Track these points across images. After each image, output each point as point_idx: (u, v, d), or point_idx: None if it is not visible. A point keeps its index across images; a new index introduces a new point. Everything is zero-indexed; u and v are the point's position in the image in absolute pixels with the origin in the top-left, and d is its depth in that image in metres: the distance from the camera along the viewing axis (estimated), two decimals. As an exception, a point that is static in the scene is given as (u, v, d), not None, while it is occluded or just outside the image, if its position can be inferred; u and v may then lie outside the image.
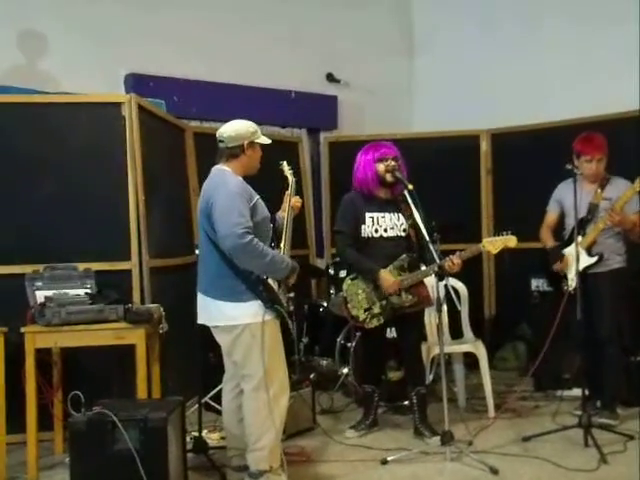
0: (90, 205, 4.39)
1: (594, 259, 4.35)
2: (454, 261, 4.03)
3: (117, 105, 4.45)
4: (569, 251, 4.46)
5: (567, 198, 4.44)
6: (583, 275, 4.21)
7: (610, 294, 4.39)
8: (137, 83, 5.61)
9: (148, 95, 5.19)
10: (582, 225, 4.36)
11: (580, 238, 4.28)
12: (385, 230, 4.27)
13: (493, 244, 4.12)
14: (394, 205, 4.30)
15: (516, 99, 6.35)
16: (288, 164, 3.94)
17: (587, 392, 4.14)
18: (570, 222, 4.49)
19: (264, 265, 3.34)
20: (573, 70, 6.07)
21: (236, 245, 3.25)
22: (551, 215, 4.70)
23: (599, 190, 4.43)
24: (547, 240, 4.68)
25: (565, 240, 4.56)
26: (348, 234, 4.30)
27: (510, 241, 4.09)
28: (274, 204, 3.74)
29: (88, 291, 4.05)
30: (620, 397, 4.58)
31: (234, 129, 3.53)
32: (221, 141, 3.52)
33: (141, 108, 4.56)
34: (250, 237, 3.26)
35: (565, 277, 4.47)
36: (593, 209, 4.41)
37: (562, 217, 4.64)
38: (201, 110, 6.01)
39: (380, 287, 4.20)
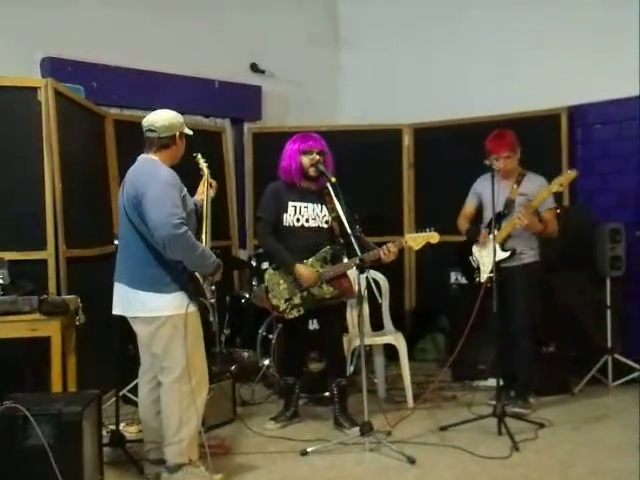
0: (4, 192, 4.22)
1: (507, 254, 4.47)
2: (390, 249, 4.06)
3: (33, 90, 4.29)
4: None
5: (485, 192, 4.53)
6: (497, 269, 4.30)
7: (523, 287, 4.53)
8: (54, 67, 5.40)
9: (66, 80, 5.01)
10: (498, 219, 4.46)
11: (496, 232, 4.39)
12: (307, 220, 4.28)
13: (415, 240, 4.16)
14: (318, 196, 4.31)
15: (440, 95, 6.43)
16: (204, 156, 3.84)
17: (501, 382, 4.26)
18: (488, 215, 4.60)
19: (194, 258, 3.31)
20: (496, 67, 6.17)
21: (171, 235, 3.20)
22: (469, 206, 4.79)
23: (515, 186, 4.55)
24: (463, 226, 4.76)
25: (482, 232, 4.67)
26: (269, 222, 4.30)
27: (432, 238, 4.14)
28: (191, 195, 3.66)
29: (0, 282, 3.90)
30: (532, 387, 4.74)
31: (166, 119, 3.46)
32: (152, 130, 3.43)
33: (58, 93, 4.42)
34: (185, 228, 3.23)
35: (477, 269, 4.59)
36: (509, 204, 4.53)
37: (480, 209, 4.75)
38: (122, 97, 5.85)
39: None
